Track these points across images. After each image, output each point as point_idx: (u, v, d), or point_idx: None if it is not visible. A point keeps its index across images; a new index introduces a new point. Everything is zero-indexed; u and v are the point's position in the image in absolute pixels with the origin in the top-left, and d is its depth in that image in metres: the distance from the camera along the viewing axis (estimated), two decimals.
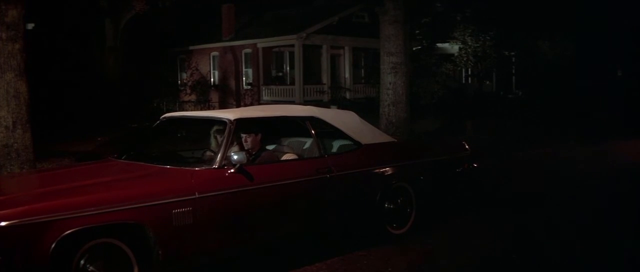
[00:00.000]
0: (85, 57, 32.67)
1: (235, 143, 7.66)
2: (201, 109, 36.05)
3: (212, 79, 40.01)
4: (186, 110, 36.10)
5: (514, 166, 16.20)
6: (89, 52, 32.59)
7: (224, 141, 6.91)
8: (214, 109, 37.00)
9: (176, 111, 35.18)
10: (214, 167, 6.71)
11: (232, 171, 6.66)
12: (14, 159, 11.46)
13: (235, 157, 6.58)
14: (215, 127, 7.98)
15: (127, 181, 6.57)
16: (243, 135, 7.73)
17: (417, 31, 33.35)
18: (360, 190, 8.06)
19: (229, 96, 38.30)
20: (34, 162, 11.93)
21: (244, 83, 37.92)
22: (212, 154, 7.29)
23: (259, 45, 36.18)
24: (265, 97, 35.99)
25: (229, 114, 7.28)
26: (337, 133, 8.31)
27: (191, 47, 40.71)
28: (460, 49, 35.06)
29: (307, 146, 8.48)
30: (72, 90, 30.61)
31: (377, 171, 8.29)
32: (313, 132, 7.89)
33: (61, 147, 18.10)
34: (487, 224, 9.46)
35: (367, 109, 25.49)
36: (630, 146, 19.84)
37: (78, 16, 31.95)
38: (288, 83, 36.46)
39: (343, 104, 32.86)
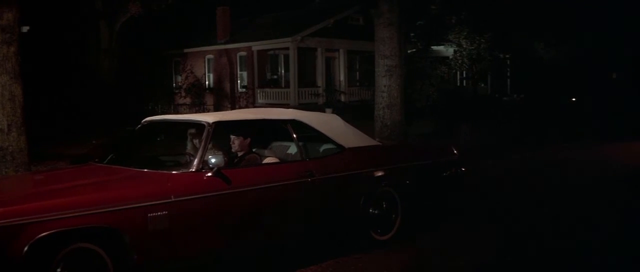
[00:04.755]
0: (80, 59, 32.56)
1: (217, 146, 7.62)
2: (196, 112, 36.01)
3: (207, 82, 39.99)
4: (181, 112, 36.06)
5: (509, 169, 16.21)
6: (84, 55, 32.48)
7: (202, 144, 6.81)
8: (208, 111, 36.98)
9: (171, 114, 35.19)
10: (191, 171, 6.60)
11: (209, 174, 6.53)
12: (9, 162, 11.43)
13: (213, 160, 6.52)
14: (194, 131, 7.84)
15: (103, 185, 6.49)
16: (232, 137, 7.73)
17: (412, 34, 33.41)
18: (342, 195, 7.90)
19: (224, 99, 38.27)
20: (29, 165, 11.90)
21: (238, 86, 37.91)
22: (190, 157, 7.13)
23: (254, 48, 36.17)
24: (260, 100, 35.97)
25: (208, 117, 7.21)
26: (320, 137, 8.15)
27: (186, 50, 40.68)
28: (455, 51, 35.14)
29: (290, 150, 8.32)
30: (67, 93, 30.54)
31: (360, 175, 8.09)
32: (294, 135, 7.74)
33: (57, 150, 18.06)
34: (477, 231, 9.32)
35: (362, 112, 25.50)
36: (625, 148, 19.88)
37: (73, 19, 31.88)
38: (283, 86, 36.46)
39: (338, 107, 32.87)
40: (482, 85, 41.34)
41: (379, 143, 9.19)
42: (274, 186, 7.16)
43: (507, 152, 18.99)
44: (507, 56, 38.75)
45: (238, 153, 7.74)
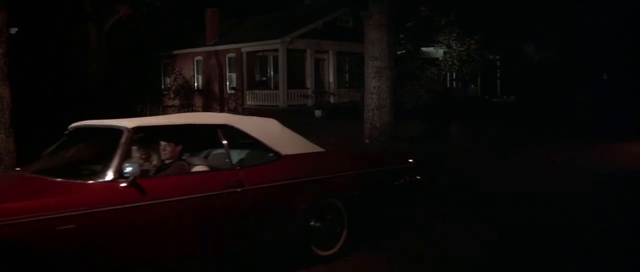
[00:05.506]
0: (68, 61, 32.47)
1: (147, 154, 7.34)
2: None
3: (196, 84, 39.92)
4: (170, 114, 35.94)
5: (492, 171, 16.16)
6: (72, 57, 32.39)
7: (118, 151, 6.26)
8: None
9: (160, 115, 35.06)
10: (106, 180, 6.03)
11: (124, 184, 5.99)
12: None
13: (128, 169, 6.00)
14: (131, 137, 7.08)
15: (8, 195, 6.01)
16: (162, 144, 7.21)
17: (401, 35, 33.43)
18: (278, 206, 7.25)
19: (213, 101, 38.22)
20: (18, 167, 11.83)
21: (227, 87, 37.85)
22: (106, 166, 6.34)
23: (243, 50, 36.11)
24: (249, 102, 35.92)
25: (128, 123, 6.65)
26: (256, 143, 7.56)
27: (175, 52, 40.61)
28: (445, 53, 35.21)
29: (227, 157, 7.50)
30: (55, 94, 30.43)
31: (299, 184, 7.44)
32: (225, 141, 7.17)
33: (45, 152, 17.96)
34: (435, 243, 8.64)
35: (352, 113, 25.50)
36: (614, 149, 19.89)
37: (62, 20, 31.77)
38: (272, 87, 36.42)
39: (327, 108, 32.87)
40: (472, 86, 41.41)
41: (322, 150, 8.36)
42: (197, 197, 6.58)
43: (494, 153, 18.95)
44: (497, 57, 38.82)
45: (166, 161, 7.23)
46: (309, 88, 35.21)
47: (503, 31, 34.01)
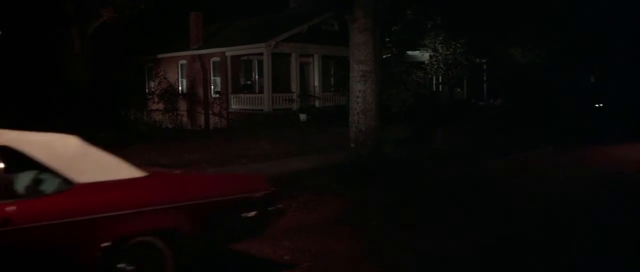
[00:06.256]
0: (52, 65, 32.21)
1: None
2: (169, 117, 35.73)
3: (180, 88, 39.71)
4: (154, 118, 35.76)
5: (473, 175, 16.10)
6: (56, 61, 32.12)
7: None
8: (182, 117, 36.73)
9: (144, 119, 34.91)
10: None
11: None
12: None
13: None
14: None
15: None
16: None
17: (387, 39, 33.31)
18: (67, 248, 5.85)
19: (197, 105, 38.02)
20: None
21: (212, 91, 37.65)
22: None
23: (228, 54, 35.90)
24: (233, 106, 35.73)
25: None
26: (42, 168, 6.07)
27: (159, 56, 40.38)
28: (431, 56, 35.14)
29: (16, 184, 6.14)
30: (38, 98, 30.16)
31: (96, 219, 5.95)
32: (2, 165, 5.79)
33: None
34: None
35: (337, 117, 25.33)
36: (599, 152, 19.86)
37: (45, 24, 31.51)
38: (257, 91, 36.21)
39: (312, 112, 32.70)
40: (458, 90, 41.39)
41: (143, 174, 6.70)
42: None
43: (472, 157, 18.89)
44: (484, 61, 38.81)
45: None
46: (294, 92, 35.01)
47: (489, 35, 33.98)
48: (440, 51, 34.23)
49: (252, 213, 7.19)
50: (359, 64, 17.29)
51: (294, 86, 35.23)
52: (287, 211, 8.22)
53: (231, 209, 7.13)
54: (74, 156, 6.36)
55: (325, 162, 16.85)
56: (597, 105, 34.38)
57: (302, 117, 32.31)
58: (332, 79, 38.78)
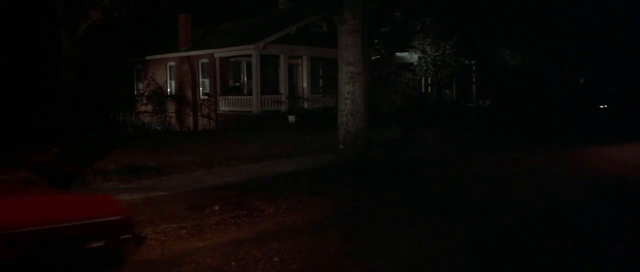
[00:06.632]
0: (40, 67, 32.08)
1: None
2: (157, 119, 35.64)
3: (168, 89, 39.58)
4: (143, 120, 35.68)
5: (457, 177, 16.10)
6: (44, 63, 31.99)
7: None
8: (170, 119, 36.66)
9: (133, 121, 34.81)
10: None
11: None
12: None
13: None
14: None
15: None
16: None
17: (376, 40, 33.34)
18: None
19: (186, 106, 37.93)
20: None
21: (201, 93, 37.56)
22: None
23: (216, 55, 35.84)
24: (222, 108, 35.65)
25: None
26: None
27: (148, 57, 40.26)
28: (419, 58, 35.11)
29: None
30: (25, 100, 30.03)
31: None
32: None
33: (18, 158, 17.65)
34: None
35: (326, 119, 25.31)
36: (587, 153, 19.89)
37: (33, 26, 31.39)
38: (245, 93, 36.15)
39: (301, 114, 32.67)
40: (447, 91, 41.39)
41: None
42: None
43: (466, 159, 18.86)
44: (473, 62, 38.83)
45: None
46: (282, 94, 34.97)
47: (478, 36, 34.02)
48: (429, 52, 34.22)
49: (99, 243, 5.94)
50: (348, 65, 17.31)
51: (283, 88, 35.19)
52: (146, 238, 6.96)
53: (69, 238, 5.81)
54: None
55: (314, 163, 16.82)
56: (585, 106, 34.46)
57: (291, 118, 32.27)
58: (320, 80, 38.79)
